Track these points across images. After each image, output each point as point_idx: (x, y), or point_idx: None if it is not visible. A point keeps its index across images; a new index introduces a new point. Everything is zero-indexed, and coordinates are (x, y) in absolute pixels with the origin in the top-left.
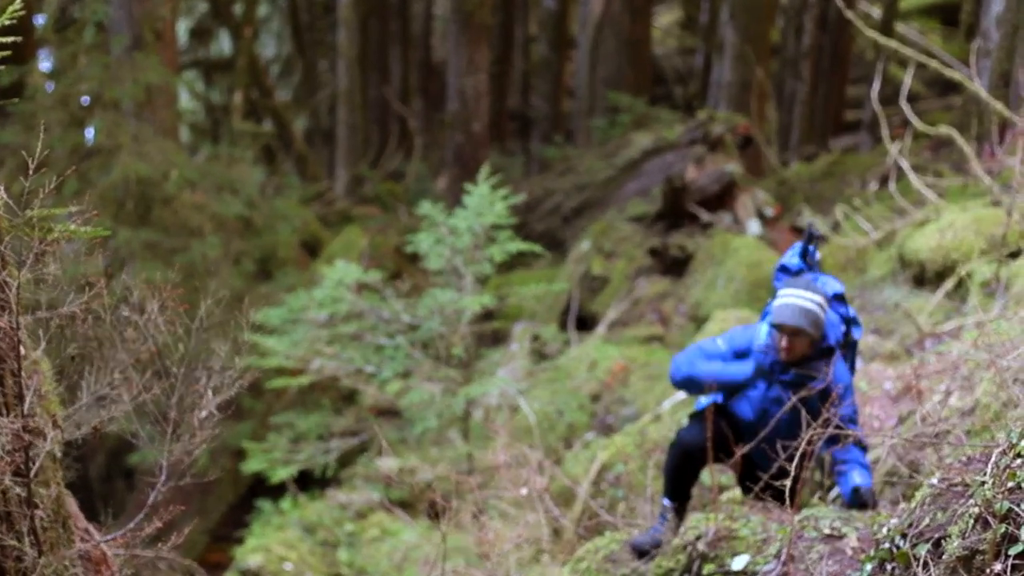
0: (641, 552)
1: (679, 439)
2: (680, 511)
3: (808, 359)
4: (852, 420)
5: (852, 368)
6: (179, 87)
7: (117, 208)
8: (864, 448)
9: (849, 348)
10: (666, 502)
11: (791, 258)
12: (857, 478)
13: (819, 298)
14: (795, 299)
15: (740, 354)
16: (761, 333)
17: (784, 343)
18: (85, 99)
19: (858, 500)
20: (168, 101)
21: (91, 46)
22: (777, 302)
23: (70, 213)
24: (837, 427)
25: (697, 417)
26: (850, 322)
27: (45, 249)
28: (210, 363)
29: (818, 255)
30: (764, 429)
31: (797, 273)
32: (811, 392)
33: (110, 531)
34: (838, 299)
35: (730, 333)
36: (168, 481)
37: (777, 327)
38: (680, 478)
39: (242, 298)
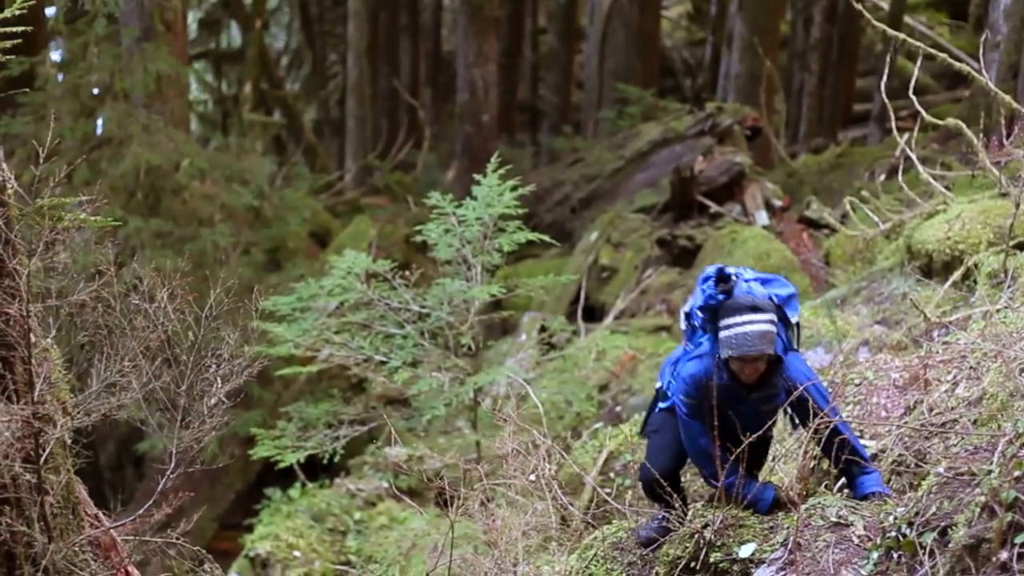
0: (648, 541)
1: (644, 477)
2: (682, 498)
3: (764, 376)
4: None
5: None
6: (189, 78)
7: (127, 198)
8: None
9: (789, 329)
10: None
11: (706, 299)
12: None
13: (769, 314)
14: (750, 325)
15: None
16: (699, 370)
17: (747, 370)
18: (95, 89)
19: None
20: (178, 92)
21: (102, 37)
22: (730, 332)
23: (80, 202)
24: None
25: (655, 432)
26: (783, 305)
27: (55, 238)
28: (219, 351)
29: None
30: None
31: (722, 304)
32: (776, 406)
33: (119, 518)
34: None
35: (685, 385)
36: (177, 468)
37: (741, 359)
38: (670, 490)
39: (251, 288)
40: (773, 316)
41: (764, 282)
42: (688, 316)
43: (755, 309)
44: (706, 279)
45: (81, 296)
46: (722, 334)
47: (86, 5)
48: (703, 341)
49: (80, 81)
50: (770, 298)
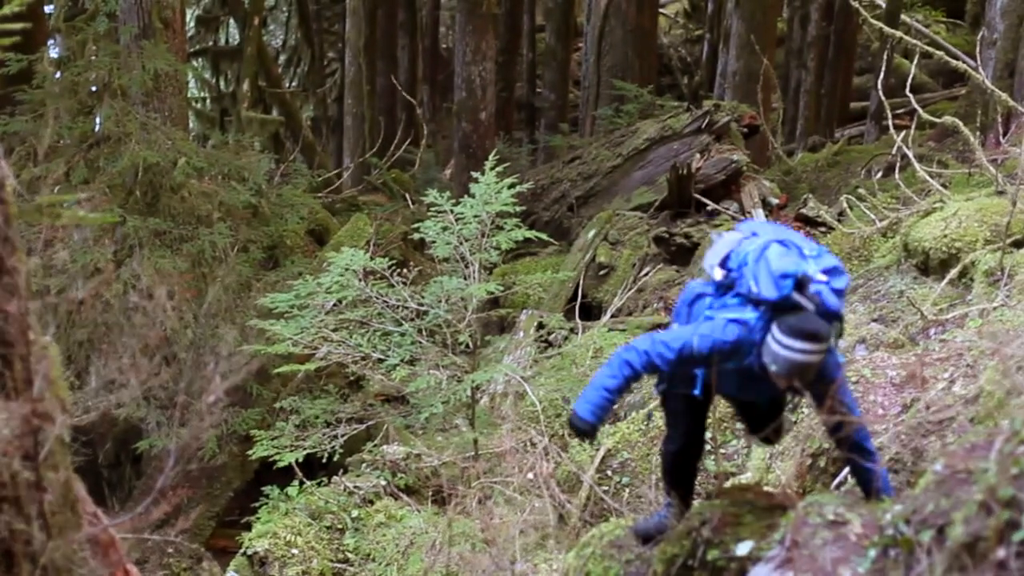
0: (645, 538)
1: (664, 452)
2: (685, 498)
3: None
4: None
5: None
6: (187, 75)
7: (125, 196)
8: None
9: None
10: (668, 494)
11: (777, 293)
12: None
13: (826, 343)
14: (802, 356)
15: (723, 353)
16: (731, 338)
17: (781, 383)
18: (94, 87)
19: None
20: (177, 89)
21: (100, 35)
22: (781, 351)
23: (78, 200)
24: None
25: (670, 415)
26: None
27: (54, 236)
28: (218, 349)
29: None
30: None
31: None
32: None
33: (118, 515)
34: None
35: (715, 339)
36: (176, 466)
37: (779, 377)
38: (678, 478)
39: (250, 285)
40: (829, 344)
41: (827, 271)
42: (728, 269)
43: (816, 339)
44: (785, 276)
45: (80, 294)
46: (774, 347)
47: (85, 3)
48: (743, 306)
49: (78, 79)
50: (836, 311)
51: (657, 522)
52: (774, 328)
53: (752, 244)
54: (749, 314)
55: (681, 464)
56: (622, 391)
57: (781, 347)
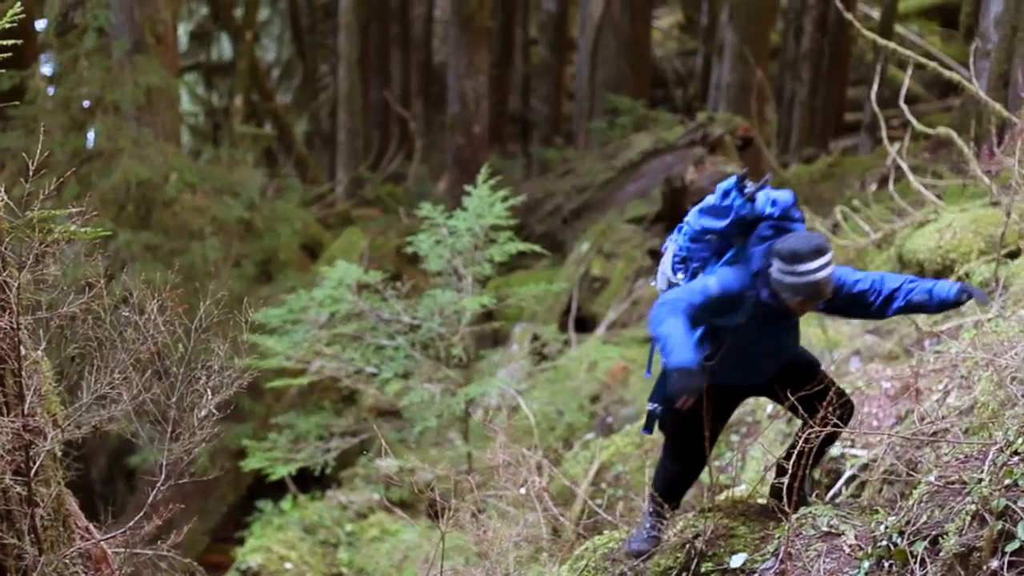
0: (639, 556)
1: (666, 470)
2: (674, 509)
3: None
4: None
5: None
6: (180, 90)
7: (118, 211)
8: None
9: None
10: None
11: (737, 211)
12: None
13: (831, 252)
14: (820, 272)
15: (732, 300)
16: (746, 277)
17: (808, 307)
18: (86, 103)
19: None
20: (169, 104)
21: (92, 50)
22: (799, 279)
23: (70, 215)
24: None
25: (677, 431)
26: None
27: (45, 250)
28: (209, 363)
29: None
30: (763, 356)
31: (759, 215)
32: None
33: (110, 530)
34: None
35: (720, 284)
36: (168, 480)
37: (806, 303)
38: (674, 495)
39: (242, 299)
40: (832, 252)
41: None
42: (695, 239)
43: (821, 252)
44: (726, 192)
45: (71, 309)
46: (789, 279)
47: (76, 18)
48: (728, 255)
49: (71, 94)
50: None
51: (647, 537)
52: (777, 266)
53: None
54: (742, 271)
55: (683, 484)
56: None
57: (795, 276)
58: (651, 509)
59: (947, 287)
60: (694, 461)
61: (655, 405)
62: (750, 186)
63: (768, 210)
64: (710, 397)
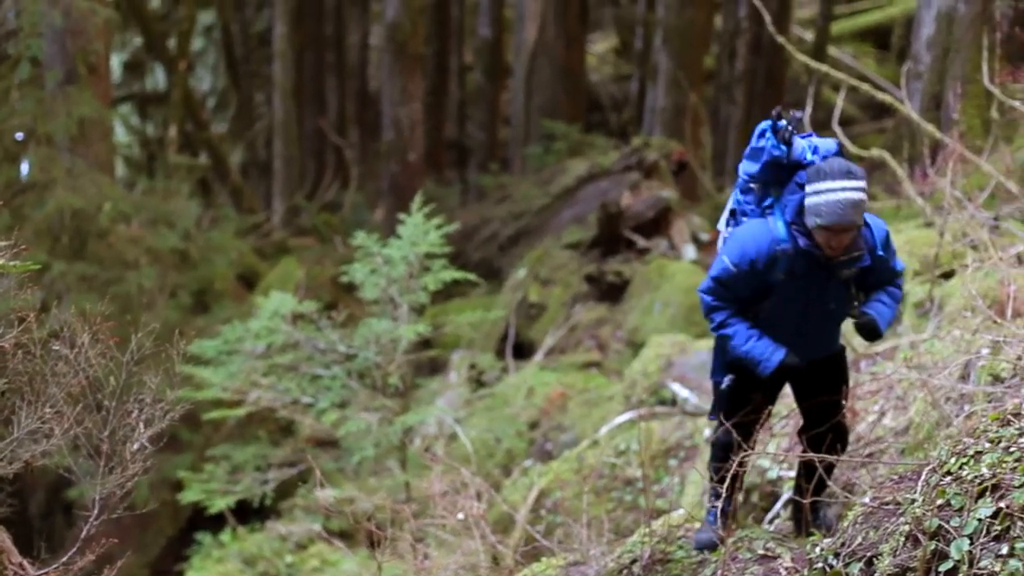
0: (706, 546)
1: (715, 442)
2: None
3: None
4: (897, 273)
5: None
6: (114, 121)
7: (52, 242)
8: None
9: None
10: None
11: (769, 153)
12: (877, 308)
13: (862, 181)
14: (844, 193)
15: (766, 265)
16: (778, 229)
17: (834, 242)
18: (19, 134)
19: (864, 322)
20: (102, 135)
21: (25, 81)
22: (820, 198)
23: (1, 248)
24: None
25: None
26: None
27: None
28: (142, 396)
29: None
30: (811, 323)
31: (798, 162)
32: (857, 271)
33: (47, 565)
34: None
35: (739, 247)
36: (102, 514)
37: (830, 228)
38: (725, 457)
39: (178, 331)
40: (865, 183)
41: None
42: (744, 190)
43: (850, 175)
44: (761, 133)
45: (1, 342)
46: (811, 200)
47: (9, 49)
48: (763, 208)
49: (3, 126)
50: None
51: (710, 537)
52: (807, 191)
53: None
54: (768, 227)
55: (728, 452)
56: (740, 316)
57: (818, 195)
58: (712, 494)
59: (868, 306)
60: (741, 433)
61: (727, 377)
62: (784, 125)
63: (809, 157)
64: (756, 381)
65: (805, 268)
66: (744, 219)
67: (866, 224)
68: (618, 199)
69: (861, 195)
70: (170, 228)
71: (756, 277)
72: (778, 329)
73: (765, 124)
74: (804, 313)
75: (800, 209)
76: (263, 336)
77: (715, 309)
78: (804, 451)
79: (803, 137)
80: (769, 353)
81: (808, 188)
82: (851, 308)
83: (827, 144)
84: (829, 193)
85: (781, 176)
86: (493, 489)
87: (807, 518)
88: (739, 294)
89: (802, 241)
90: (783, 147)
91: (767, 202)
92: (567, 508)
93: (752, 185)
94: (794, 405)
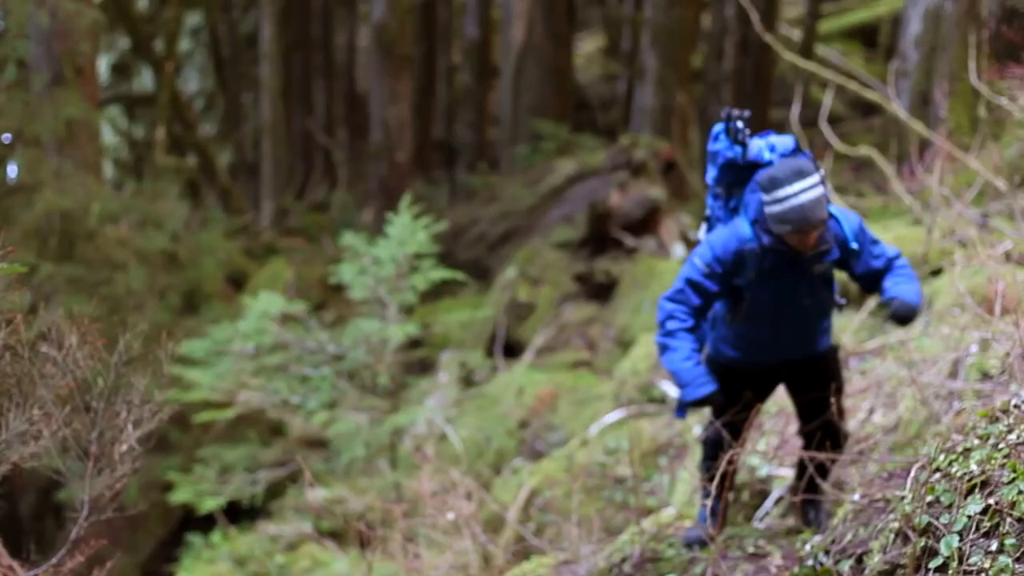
0: (691, 544)
1: (706, 440)
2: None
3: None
4: (893, 257)
5: None
6: (101, 123)
7: (40, 244)
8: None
9: None
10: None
11: (724, 157)
12: (898, 290)
13: (816, 175)
14: (803, 195)
15: (735, 264)
16: (744, 229)
17: (807, 240)
18: (6, 137)
19: (895, 309)
20: (90, 137)
21: (12, 83)
22: (782, 207)
23: None
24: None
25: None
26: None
27: None
28: (130, 397)
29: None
30: (787, 321)
31: (756, 161)
32: (830, 263)
33: (36, 566)
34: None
35: (708, 248)
36: (91, 516)
37: (800, 231)
38: (715, 454)
39: (167, 332)
40: (819, 175)
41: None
42: (714, 195)
43: (802, 174)
44: (715, 136)
45: None
46: (773, 209)
47: None
48: (730, 210)
49: None
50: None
51: (698, 535)
52: (763, 200)
53: None
54: (735, 228)
55: (716, 449)
56: (692, 335)
57: (778, 203)
58: (702, 493)
59: (889, 290)
60: (730, 431)
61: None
62: (738, 127)
63: (766, 156)
64: (743, 381)
65: (774, 265)
66: (718, 224)
67: (832, 216)
68: (606, 198)
69: (819, 191)
70: (158, 229)
71: (727, 277)
72: (755, 331)
73: (718, 127)
74: (778, 312)
75: (762, 210)
76: (252, 337)
77: (672, 318)
78: (805, 450)
79: (760, 136)
80: (700, 383)
81: (766, 197)
82: (830, 305)
83: (784, 142)
84: (788, 200)
85: (742, 176)
86: (483, 488)
87: (806, 515)
88: (708, 298)
89: (766, 239)
90: (737, 148)
91: (732, 203)
92: (557, 507)
93: (718, 189)
94: (785, 403)
